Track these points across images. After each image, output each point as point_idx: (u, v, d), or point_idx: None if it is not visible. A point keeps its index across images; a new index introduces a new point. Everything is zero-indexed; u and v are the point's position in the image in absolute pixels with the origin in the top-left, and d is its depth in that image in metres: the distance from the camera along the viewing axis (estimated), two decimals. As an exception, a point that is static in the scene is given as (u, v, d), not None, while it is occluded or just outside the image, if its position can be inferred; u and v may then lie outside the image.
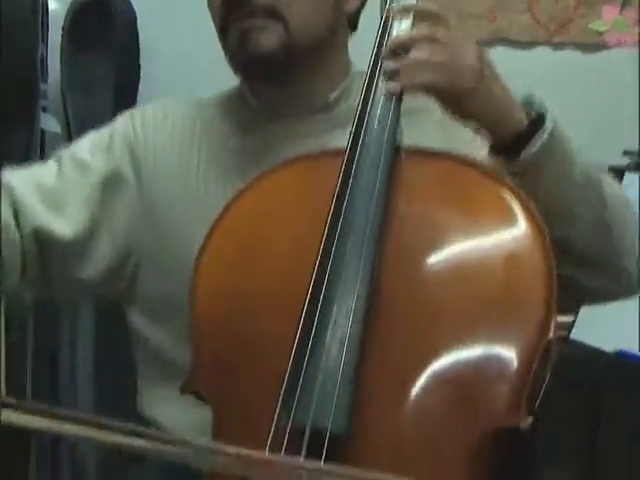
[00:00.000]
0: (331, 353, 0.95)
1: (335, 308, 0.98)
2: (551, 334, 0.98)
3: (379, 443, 0.94)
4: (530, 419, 0.94)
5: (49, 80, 2.22)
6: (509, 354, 0.96)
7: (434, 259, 1.02)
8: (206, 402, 1.03)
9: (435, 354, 0.97)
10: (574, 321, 1.89)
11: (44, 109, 2.13)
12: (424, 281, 1.01)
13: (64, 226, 1.21)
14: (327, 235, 1.02)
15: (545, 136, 1.10)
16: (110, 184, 1.25)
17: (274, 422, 0.93)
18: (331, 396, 0.93)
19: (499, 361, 0.96)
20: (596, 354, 1.91)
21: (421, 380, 0.96)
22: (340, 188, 1.05)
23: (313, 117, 1.26)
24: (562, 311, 1.02)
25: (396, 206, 1.05)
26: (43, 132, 2.04)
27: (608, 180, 1.20)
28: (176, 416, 1.19)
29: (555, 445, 1.77)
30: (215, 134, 1.28)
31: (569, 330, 1.89)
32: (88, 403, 2.06)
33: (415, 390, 0.96)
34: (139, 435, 0.82)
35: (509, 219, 1.03)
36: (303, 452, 0.90)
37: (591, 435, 1.96)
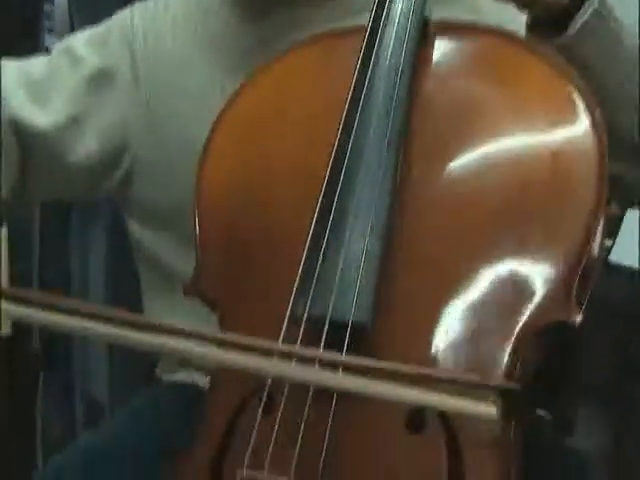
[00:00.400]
0: (353, 239, 0.85)
1: (356, 197, 0.88)
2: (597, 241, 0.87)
3: (408, 338, 0.84)
4: (581, 315, 0.84)
5: (56, 1, 2.13)
6: (557, 250, 0.86)
7: (472, 147, 0.90)
8: (212, 306, 0.94)
9: (473, 249, 0.87)
10: (612, 245, 1.79)
11: (50, 30, 2.05)
12: (460, 170, 0.90)
13: (43, 116, 1.14)
14: (346, 120, 0.92)
15: (596, 3, 0.99)
16: (102, 79, 1.17)
17: (287, 314, 0.83)
18: (353, 283, 0.83)
19: (547, 256, 0.86)
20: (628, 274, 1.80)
21: (458, 274, 0.86)
22: (360, 67, 0.94)
23: (328, 3, 1.15)
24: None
25: (425, 88, 0.94)
26: (48, 51, 1.96)
27: None
28: None
29: (582, 380, 1.68)
30: (221, 26, 1.19)
31: (607, 253, 1.79)
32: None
33: (452, 283, 0.85)
34: (147, 327, 0.73)
35: (562, 106, 0.91)
36: (321, 345, 0.80)
37: (620, 370, 1.87)
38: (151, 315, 1.21)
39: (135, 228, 1.23)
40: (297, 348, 0.75)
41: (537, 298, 0.84)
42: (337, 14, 1.14)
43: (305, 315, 0.83)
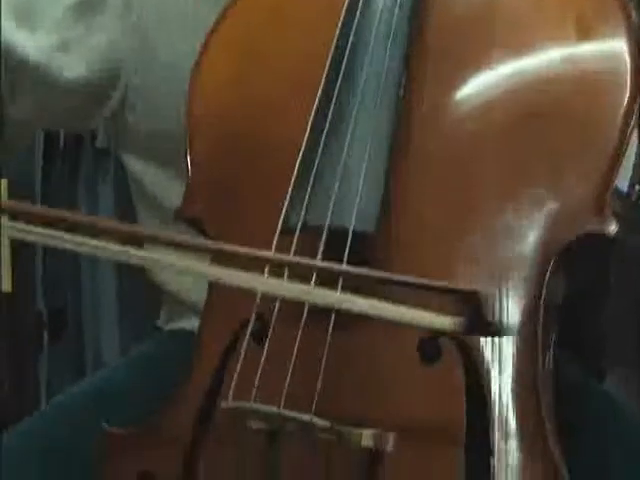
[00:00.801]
0: (355, 143, 0.77)
1: (357, 97, 0.79)
2: None
3: (417, 253, 0.76)
4: (615, 225, 0.75)
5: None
6: (586, 159, 0.78)
7: (491, 53, 0.82)
8: (204, 232, 0.87)
9: (492, 158, 0.79)
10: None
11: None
12: (475, 81, 0.82)
13: (28, 41, 1.08)
14: (345, 19, 0.84)
15: None
16: (91, 3, 1.11)
17: (279, 224, 0.74)
18: (355, 189, 0.74)
19: (576, 164, 0.78)
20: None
21: (480, 181, 0.78)
22: None
23: None
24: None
25: None
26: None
27: None
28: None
29: (615, 337, 1.59)
30: None
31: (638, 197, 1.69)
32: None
33: (473, 190, 0.77)
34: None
35: (592, 8, 0.82)
36: (319, 257, 0.71)
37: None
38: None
39: (132, 163, 1.18)
40: (290, 257, 0.66)
41: (568, 206, 0.76)
42: None
43: (299, 223, 0.74)
